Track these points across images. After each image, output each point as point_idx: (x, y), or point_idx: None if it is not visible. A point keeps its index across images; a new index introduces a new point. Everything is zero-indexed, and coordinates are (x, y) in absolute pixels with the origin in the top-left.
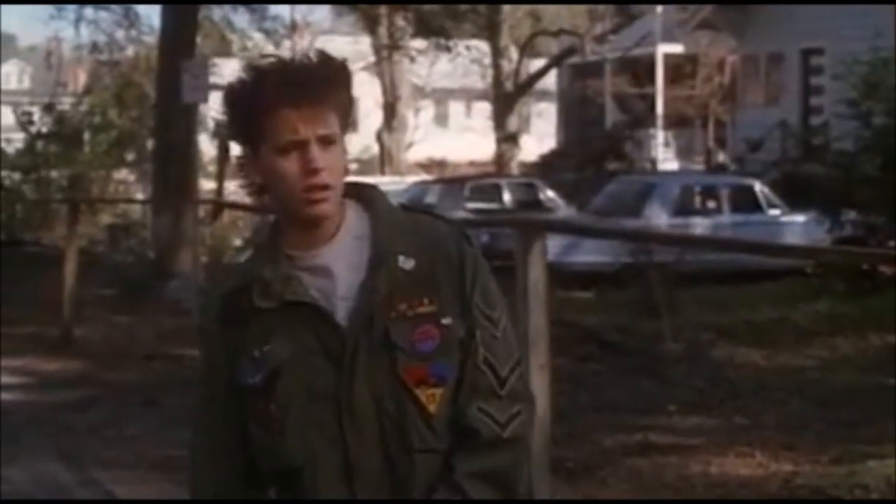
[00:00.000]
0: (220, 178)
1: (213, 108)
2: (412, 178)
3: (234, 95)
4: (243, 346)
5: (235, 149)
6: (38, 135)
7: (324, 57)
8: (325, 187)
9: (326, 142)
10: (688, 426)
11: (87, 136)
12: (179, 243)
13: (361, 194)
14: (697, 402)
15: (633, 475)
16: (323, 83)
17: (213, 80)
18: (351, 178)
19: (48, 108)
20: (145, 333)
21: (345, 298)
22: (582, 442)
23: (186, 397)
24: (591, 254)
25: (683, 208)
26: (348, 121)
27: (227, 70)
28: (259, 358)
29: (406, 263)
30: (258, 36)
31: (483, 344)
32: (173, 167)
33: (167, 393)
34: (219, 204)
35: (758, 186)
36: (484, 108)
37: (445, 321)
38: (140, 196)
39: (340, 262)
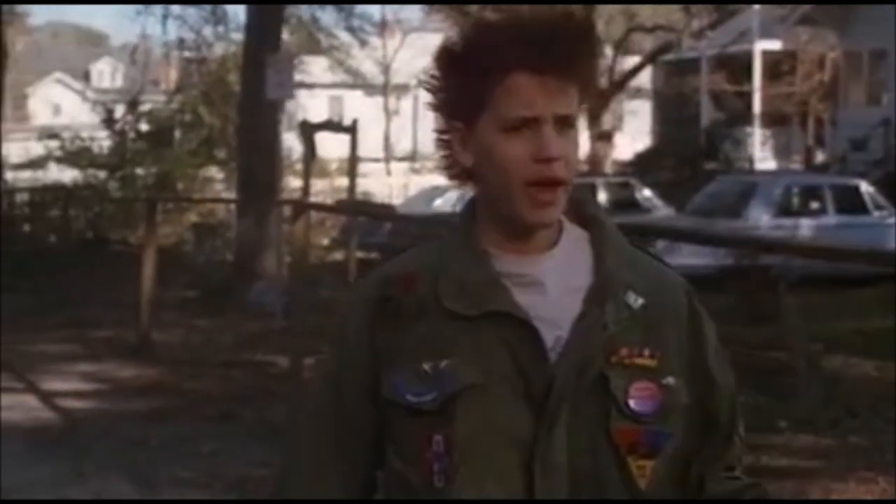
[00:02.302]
0: (306, 176)
1: (300, 104)
2: None
3: (453, 54)
4: (402, 353)
5: (437, 122)
6: (123, 133)
7: (573, 19)
8: (557, 183)
9: (565, 124)
10: (801, 446)
11: (177, 134)
12: (263, 244)
13: (578, 205)
14: (810, 418)
15: None
16: (573, 48)
17: (299, 77)
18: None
19: (132, 105)
20: (226, 339)
21: (552, 324)
22: None
23: (266, 411)
24: (690, 256)
25: (786, 209)
26: (585, 103)
27: (315, 68)
28: (430, 373)
29: (636, 302)
30: (344, 35)
31: (736, 414)
32: (257, 165)
33: (246, 405)
34: (300, 204)
35: (864, 186)
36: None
37: (667, 381)
38: (227, 195)
39: (557, 279)
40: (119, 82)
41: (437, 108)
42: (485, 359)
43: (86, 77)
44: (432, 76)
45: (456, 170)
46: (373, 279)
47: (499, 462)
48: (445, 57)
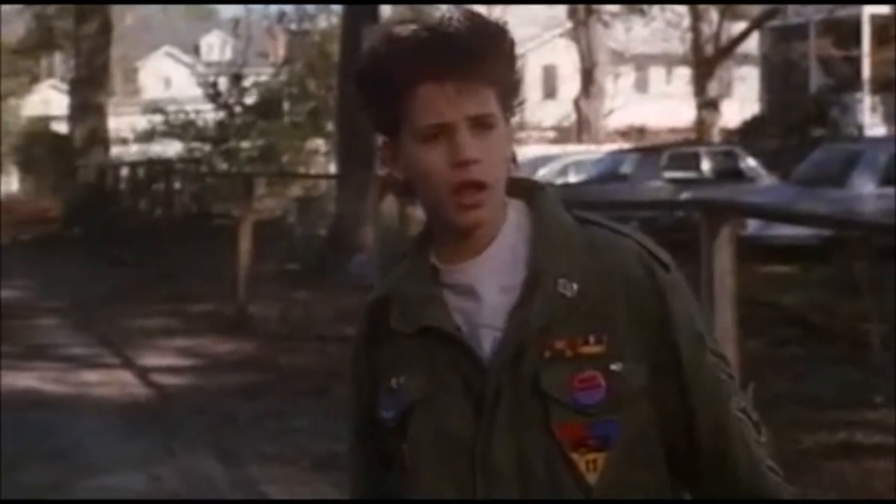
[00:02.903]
0: None
1: None
2: (608, 147)
3: (364, 69)
4: (381, 373)
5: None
6: (228, 106)
7: (475, 20)
8: (480, 186)
9: (481, 125)
10: None
11: (285, 106)
12: (362, 218)
13: (529, 195)
14: None
15: (837, 482)
16: (473, 51)
17: None
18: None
19: (236, 78)
20: (323, 312)
21: (491, 328)
22: (778, 440)
23: None
24: (794, 227)
25: (892, 177)
26: (514, 100)
27: None
28: (396, 389)
29: (567, 289)
30: (445, 7)
31: (727, 386)
32: (356, 139)
33: (339, 380)
34: (385, 181)
35: None
36: (685, 74)
37: (615, 367)
38: (333, 168)
39: (490, 281)
40: (228, 55)
41: (368, 120)
42: (430, 372)
43: (195, 50)
44: (355, 93)
45: (397, 183)
46: (364, 305)
47: (454, 469)
48: (359, 75)
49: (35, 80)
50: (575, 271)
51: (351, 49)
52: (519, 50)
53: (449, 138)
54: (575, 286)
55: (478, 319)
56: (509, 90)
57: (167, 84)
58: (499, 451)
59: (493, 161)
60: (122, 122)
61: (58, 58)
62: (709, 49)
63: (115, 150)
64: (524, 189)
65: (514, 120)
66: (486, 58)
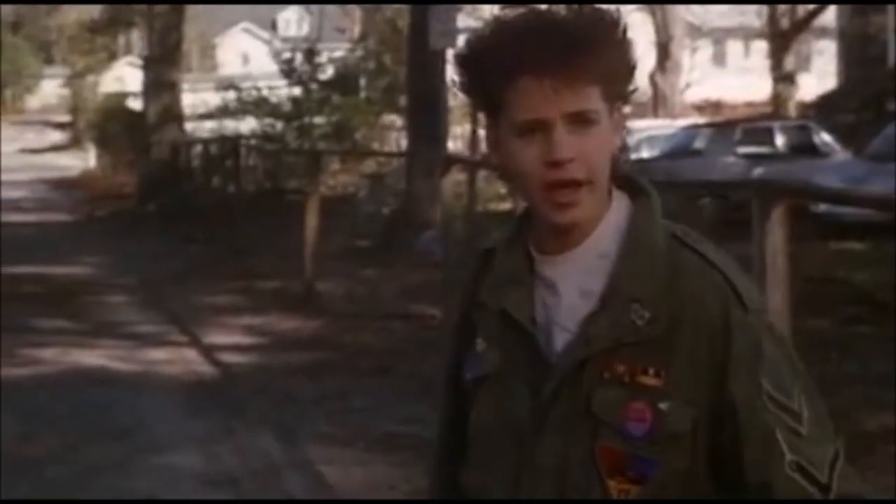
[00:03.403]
0: (473, 129)
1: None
2: (682, 122)
3: (466, 54)
4: (474, 330)
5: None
6: (302, 81)
7: (586, 8)
8: (576, 184)
9: (581, 121)
10: None
11: (362, 82)
12: (432, 195)
13: (633, 197)
14: None
15: None
16: (580, 46)
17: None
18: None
19: (309, 54)
20: (390, 289)
21: (565, 328)
22: (839, 422)
23: (422, 365)
24: None
25: None
26: (625, 90)
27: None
28: (479, 354)
29: (639, 316)
30: None
31: (787, 443)
32: (424, 116)
33: (402, 359)
34: (449, 159)
35: None
36: (763, 48)
37: (663, 405)
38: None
39: (572, 281)
40: (305, 31)
41: (471, 101)
42: (504, 350)
43: (273, 26)
44: (458, 73)
45: (498, 167)
46: (476, 253)
47: (500, 453)
48: (461, 58)
49: (113, 56)
50: (650, 298)
51: (419, 26)
52: None
53: (545, 135)
54: (647, 314)
55: (555, 316)
56: (620, 81)
57: (245, 60)
58: (545, 450)
59: (591, 157)
60: (199, 98)
61: (136, 35)
62: (785, 22)
63: (190, 127)
64: (631, 188)
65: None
66: (592, 53)
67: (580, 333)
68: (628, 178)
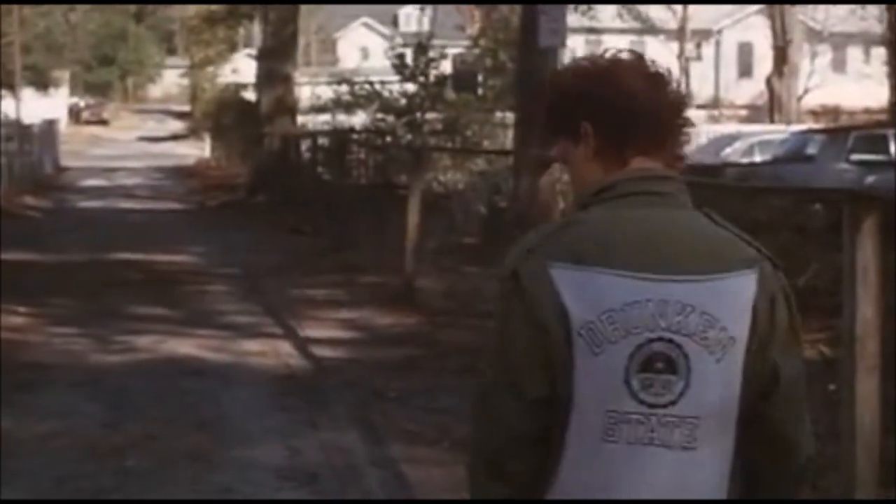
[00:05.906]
0: None
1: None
2: (795, 127)
3: (548, 93)
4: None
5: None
6: (414, 77)
7: (682, 95)
8: None
9: None
10: None
11: (479, 78)
12: (535, 194)
13: None
14: None
15: None
16: (669, 132)
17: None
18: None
19: (420, 49)
20: (490, 288)
21: None
22: None
23: None
24: None
25: None
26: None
27: (603, 15)
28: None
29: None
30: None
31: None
32: (533, 116)
33: None
34: (543, 158)
35: None
36: (883, 54)
37: None
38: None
39: None
40: (426, 27)
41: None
42: None
43: (394, 21)
44: (547, 96)
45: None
46: None
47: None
48: (545, 96)
49: (233, 48)
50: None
51: (529, 24)
52: (714, 27)
53: None
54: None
55: None
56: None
57: (364, 54)
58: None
59: None
60: (318, 91)
61: (256, 27)
62: None
63: (305, 119)
64: None
65: (709, 95)
66: (677, 140)
67: None
68: None
